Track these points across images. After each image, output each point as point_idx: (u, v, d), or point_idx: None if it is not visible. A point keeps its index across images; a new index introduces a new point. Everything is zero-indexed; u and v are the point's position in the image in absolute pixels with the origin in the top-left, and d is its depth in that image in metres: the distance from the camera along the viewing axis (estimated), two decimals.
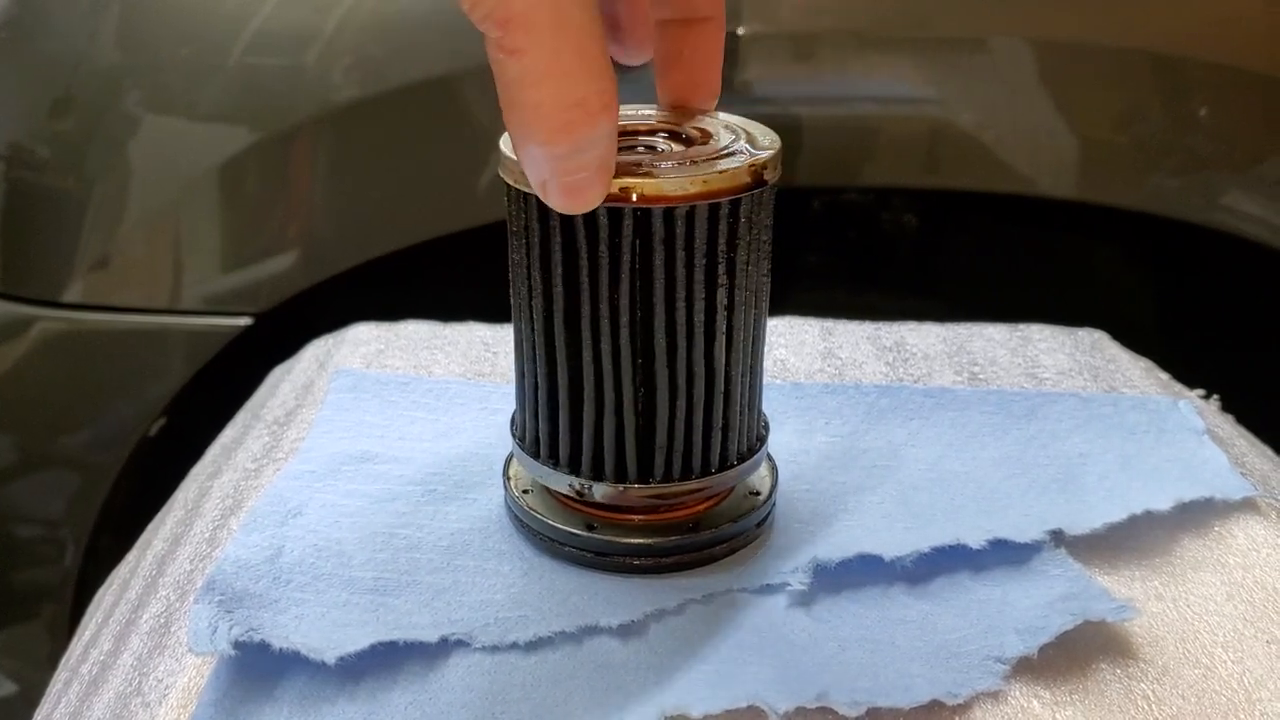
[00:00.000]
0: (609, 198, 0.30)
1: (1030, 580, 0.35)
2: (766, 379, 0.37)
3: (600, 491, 0.34)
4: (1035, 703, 0.31)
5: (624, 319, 0.32)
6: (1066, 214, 0.68)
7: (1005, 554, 0.36)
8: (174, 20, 0.65)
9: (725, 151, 0.32)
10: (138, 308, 0.67)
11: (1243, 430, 0.46)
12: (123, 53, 0.66)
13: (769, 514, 0.37)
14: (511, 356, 0.36)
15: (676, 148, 0.34)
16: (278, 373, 0.52)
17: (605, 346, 0.33)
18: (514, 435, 0.37)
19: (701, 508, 0.36)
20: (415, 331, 0.52)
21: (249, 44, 0.63)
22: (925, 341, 0.51)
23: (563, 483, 0.35)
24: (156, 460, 0.68)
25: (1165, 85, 0.64)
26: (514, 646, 0.32)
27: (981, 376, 0.48)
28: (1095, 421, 0.43)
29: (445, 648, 0.32)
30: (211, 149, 0.64)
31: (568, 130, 0.27)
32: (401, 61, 0.63)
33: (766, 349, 0.36)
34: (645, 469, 0.34)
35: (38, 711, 0.37)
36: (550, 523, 0.35)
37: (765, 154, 0.32)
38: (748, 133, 0.34)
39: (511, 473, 0.38)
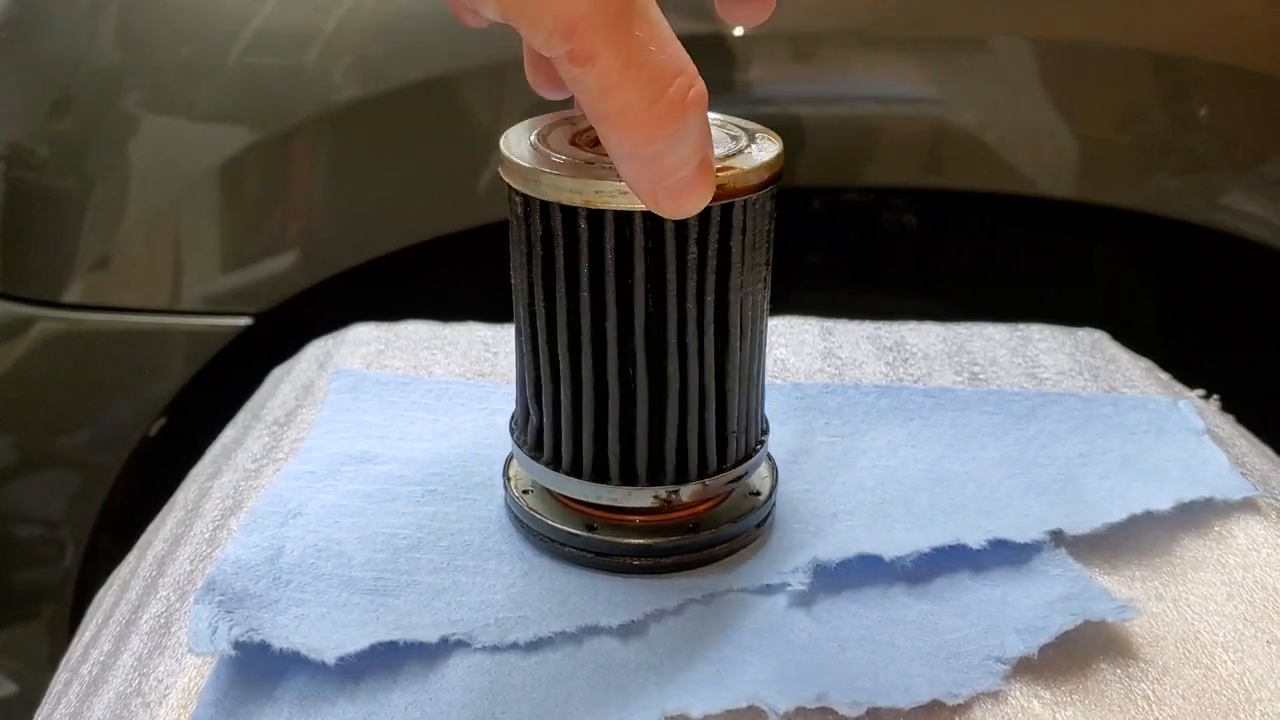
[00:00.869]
0: (608, 203, 0.30)
1: (1030, 580, 0.35)
2: (767, 379, 0.37)
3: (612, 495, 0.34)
4: (1035, 703, 0.31)
5: (626, 320, 0.32)
6: (1067, 214, 0.68)
7: (1005, 554, 0.36)
8: (174, 20, 0.65)
9: (727, 153, 0.32)
10: (138, 308, 0.67)
11: (1243, 430, 0.46)
12: (122, 53, 0.66)
13: (769, 514, 0.37)
14: (511, 357, 0.36)
15: None
16: (278, 373, 0.52)
17: (606, 347, 0.33)
18: (513, 436, 0.37)
19: (701, 508, 0.36)
20: (415, 332, 0.52)
21: (249, 44, 0.63)
22: (925, 341, 0.51)
23: (645, 496, 0.34)
24: (156, 460, 0.68)
25: (1166, 85, 0.64)
26: (514, 647, 0.32)
27: (982, 376, 0.48)
28: (1095, 422, 0.43)
29: (445, 648, 0.32)
30: (211, 149, 0.64)
31: (660, 125, 0.26)
32: (401, 61, 0.63)
33: (767, 349, 0.36)
34: (640, 469, 0.34)
35: (38, 712, 0.37)
36: (550, 523, 0.35)
37: (767, 156, 0.32)
38: (749, 134, 0.34)
39: (511, 473, 0.38)
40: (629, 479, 0.34)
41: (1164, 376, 0.49)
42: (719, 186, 0.31)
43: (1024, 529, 0.36)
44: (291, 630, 0.32)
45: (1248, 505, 0.39)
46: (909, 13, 0.63)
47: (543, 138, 0.34)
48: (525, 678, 0.31)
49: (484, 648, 0.32)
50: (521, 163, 0.32)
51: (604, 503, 0.35)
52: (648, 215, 0.31)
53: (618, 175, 0.31)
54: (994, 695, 0.31)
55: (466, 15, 0.28)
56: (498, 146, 0.33)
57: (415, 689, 0.31)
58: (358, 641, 0.31)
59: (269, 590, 0.34)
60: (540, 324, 0.33)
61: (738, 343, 0.34)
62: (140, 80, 0.65)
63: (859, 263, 0.74)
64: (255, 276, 0.66)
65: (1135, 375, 0.48)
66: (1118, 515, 0.37)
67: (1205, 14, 0.63)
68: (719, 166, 0.31)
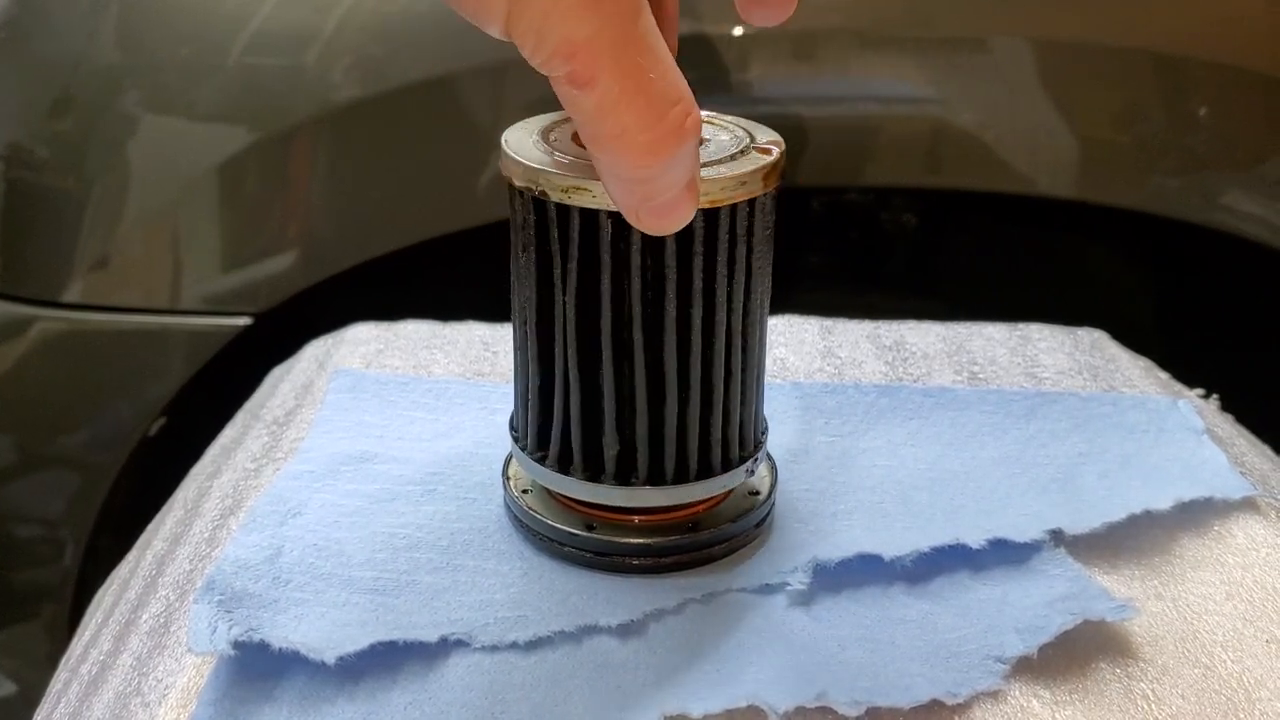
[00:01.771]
0: (609, 202, 0.30)
1: (1030, 580, 0.35)
2: (766, 378, 0.37)
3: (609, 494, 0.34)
4: (1035, 702, 0.31)
5: (627, 320, 0.32)
6: (1067, 214, 0.68)
7: (1005, 553, 0.36)
8: (173, 20, 0.65)
9: (729, 154, 0.32)
10: (137, 308, 0.67)
11: (1242, 430, 0.46)
12: (122, 52, 0.66)
13: (768, 514, 0.37)
14: (510, 356, 0.36)
15: None
16: (277, 373, 0.52)
17: (603, 347, 0.33)
18: (513, 435, 0.37)
19: (701, 508, 0.36)
20: (415, 331, 0.52)
21: (248, 44, 0.63)
22: (925, 341, 0.51)
23: (644, 495, 0.34)
24: (156, 460, 0.68)
25: (1165, 85, 0.64)
26: (513, 646, 0.32)
27: (981, 376, 0.48)
28: (1095, 421, 0.43)
29: (445, 647, 0.32)
30: (211, 149, 0.64)
31: (655, 151, 0.26)
32: (401, 61, 0.63)
33: (766, 348, 0.36)
34: (640, 469, 0.34)
35: (37, 711, 0.37)
36: (550, 523, 0.35)
37: (769, 157, 0.32)
38: (750, 134, 0.34)
39: (511, 472, 0.38)
40: (627, 478, 0.34)
41: (1163, 376, 0.49)
42: (723, 189, 0.31)
43: (1023, 528, 0.36)
44: (291, 630, 0.32)
45: (1247, 504, 0.39)
46: (909, 13, 0.63)
47: (544, 136, 0.34)
48: (524, 677, 0.31)
49: (483, 647, 0.32)
50: (523, 160, 0.32)
51: (603, 502, 0.35)
52: None
53: None
54: (993, 695, 0.31)
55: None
56: (497, 146, 0.33)
57: (414, 688, 0.31)
58: (357, 641, 0.31)
59: (268, 590, 0.34)
60: (540, 322, 0.33)
61: (737, 342, 0.34)
62: (140, 80, 0.65)
63: (859, 262, 0.74)
64: (255, 276, 0.66)
65: (1134, 375, 0.48)
66: (1117, 514, 0.37)
67: (1205, 14, 0.63)
68: (722, 169, 0.31)
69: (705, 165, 0.32)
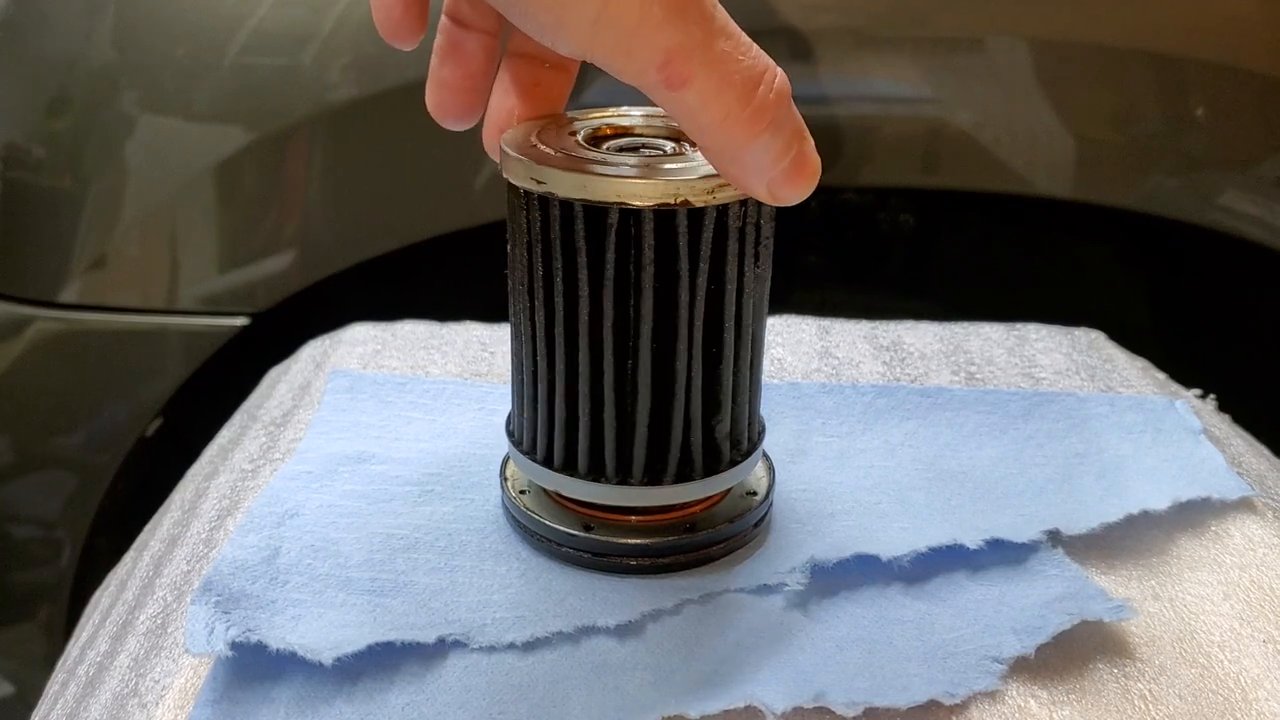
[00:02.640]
0: (611, 200, 0.30)
1: (1027, 580, 0.35)
2: (763, 378, 0.37)
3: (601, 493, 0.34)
4: (1032, 702, 0.31)
5: (624, 317, 0.32)
6: (1064, 214, 0.68)
7: (1002, 554, 0.36)
8: (170, 20, 0.65)
9: None
10: (134, 308, 0.67)
11: (1239, 430, 0.46)
12: (119, 52, 0.66)
13: (766, 514, 0.37)
14: (508, 357, 0.36)
15: (676, 151, 0.34)
16: (274, 373, 0.52)
17: (602, 347, 0.33)
18: (510, 435, 0.37)
19: (698, 508, 0.36)
20: (412, 332, 0.52)
21: (245, 43, 0.63)
22: (922, 341, 0.51)
23: (642, 495, 0.34)
24: (153, 461, 0.68)
25: (1162, 85, 0.64)
26: (511, 647, 0.32)
27: (979, 376, 0.48)
28: (1092, 421, 0.43)
29: (442, 648, 0.32)
30: (208, 149, 0.64)
31: (759, 119, 0.28)
32: (398, 61, 0.63)
33: (764, 348, 0.36)
34: (638, 468, 0.34)
35: (35, 712, 0.37)
36: (547, 523, 0.35)
37: None
38: None
39: (508, 473, 0.38)
40: (626, 477, 0.34)
41: (1160, 376, 0.49)
42: (724, 189, 0.31)
43: (1021, 529, 0.36)
44: (288, 631, 0.32)
45: (1244, 505, 0.39)
46: (906, 12, 0.63)
47: (544, 135, 0.34)
48: (522, 678, 0.31)
49: (481, 648, 0.32)
50: (523, 159, 0.32)
51: (601, 501, 0.35)
52: (649, 213, 0.31)
53: (620, 172, 0.31)
54: (991, 695, 0.31)
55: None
56: (498, 145, 0.33)
57: (412, 689, 0.31)
58: (355, 642, 0.31)
59: (266, 591, 0.34)
60: (540, 323, 0.33)
61: (733, 343, 0.34)
62: (137, 80, 0.65)
63: (856, 262, 0.74)
64: (252, 276, 0.66)
65: (1132, 375, 0.48)
66: (1114, 515, 0.37)
67: (1201, 14, 0.63)
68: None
69: (700, 165, 0.32)
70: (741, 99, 0.27)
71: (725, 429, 0.35)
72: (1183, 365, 0.51)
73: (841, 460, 0.41)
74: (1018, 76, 0.63)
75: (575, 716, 0.30)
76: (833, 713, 0.30)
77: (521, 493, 0.37)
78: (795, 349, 0.50)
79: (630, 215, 0.31)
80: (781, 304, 0.45)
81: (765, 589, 0.34)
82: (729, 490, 0.37)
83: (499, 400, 0.45)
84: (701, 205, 0.31)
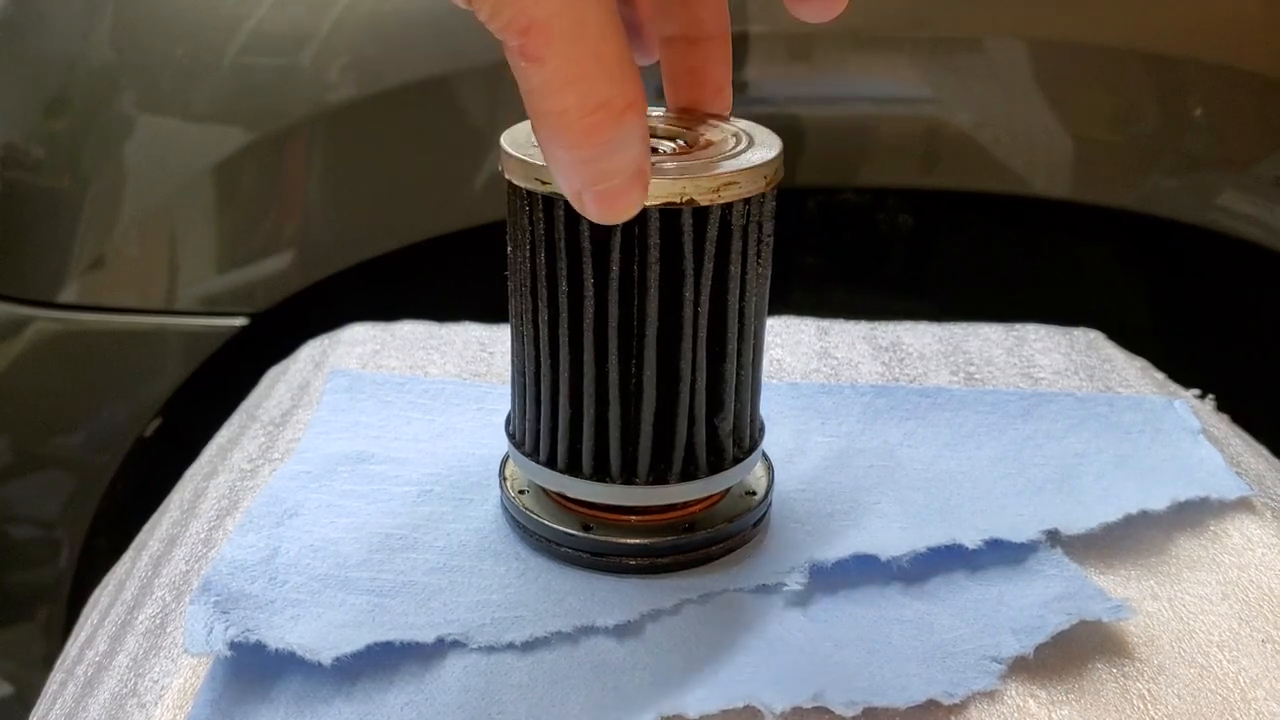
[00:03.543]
0: None
1: (1026, 580, 0.35)
2: (763, 378, 0.37)
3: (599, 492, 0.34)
4: (1031, 702, 0.31)
5: (631, 319, 0.32)
6: (1063, 214, 0.68)
7: (1001, 554, 0.36)
8: (169, 20, 0.65)
9: (727, 154, 0.32)
10: (133, 308, 0.67)
11: (1238, 430, 0.46)
12: (117, 52, 0.66)
13: (765, 514, 0.37)
14: (507, 357, 0.36)
15: (678, 150, 0.34)
16: (273, 373, 0.52)
17: (607, 346, 0.33)
18: (509, 435, 0.37)
19: (697, 508, 0.36)
20: (411, 332, 0.52)
21: (244, 44, 0.63)
22: (921, 341, 0.51)
23: (641, 494, 0.34)
24: (152, 461, 0.68)
25: (1161, 85, 0.64)
26: (510, 647, 0.32)
27: (977, 376, 0.48)
28: (1091, 421, 0.43)
29: (441, 648, 0.32)
30: (207, 149, 0.64)
31: (593, 133, 0.26)
32: (397, 61, 0.63)
33: (763, 348, 0.36)
34: (642, 468, 0.34)
35: (33, 713, 0.37)
36: (546, 523, 0.35)
37: (768, 156, 0.32)
38: (748, 134, 0.34)
39: (508, 473, 0.38)
40: (630, 477, 0.34)
41: (1159, 376, 0.49)
42: (723, 189, 0.31)
43: (1020, 529, 0.36)
44: (287, 630, 0.32)
45: (1243, 505, 0.39)
46: (905, 13, 0.63)
47: None
48: (521, 678, 0.31)
49: (480, 648, 0.32)
50: (525, 159, 0.32)
51: (604, 501, 0.35)
52: (655, 212, 0.31)
53: None
54: (990, 695, 0.31)
55: None
56: (494, 146, 0.33)
57: (411, 689, 0.31)
58: (354, 642, 0.31)
59: (265, 590, 0.34)
60: (541, 324, 0.33)
61: (736, 342, 0.34)
62: (135, 80, 0.65)
63: (855, 263, 0.74)
64: (251, 276, 0.66)
65: (1131, 375, 0.48)
66: (1113, 515, 0.37)
67: (1200, 14, 0.64)
68: (721, 169, 0.31)
69: (706, 164, 0.32)
70: (583, 104, 0.26)
71: (729, 427, 0.35)
72: (1181, 365, 0.51)
73: (840, 460, 0.41)
74: (1017, 77, 0.63)
75: (574, 716, 0.30)
76: (832, 712, 0.30)
77: (521, 493, 0.37)
78: (794, 349, 0.50)
79: (635, 215, 0.31)
80: (780, 304, 0.45)
81: (764, 589, 0.34)
82: (728, 490, 0.37)
83: (498, 400, 0.45)
84: (706, 204, 0.31)
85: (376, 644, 0.31)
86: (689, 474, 0.34)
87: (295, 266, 0.65)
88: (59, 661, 0.40)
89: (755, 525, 0.37)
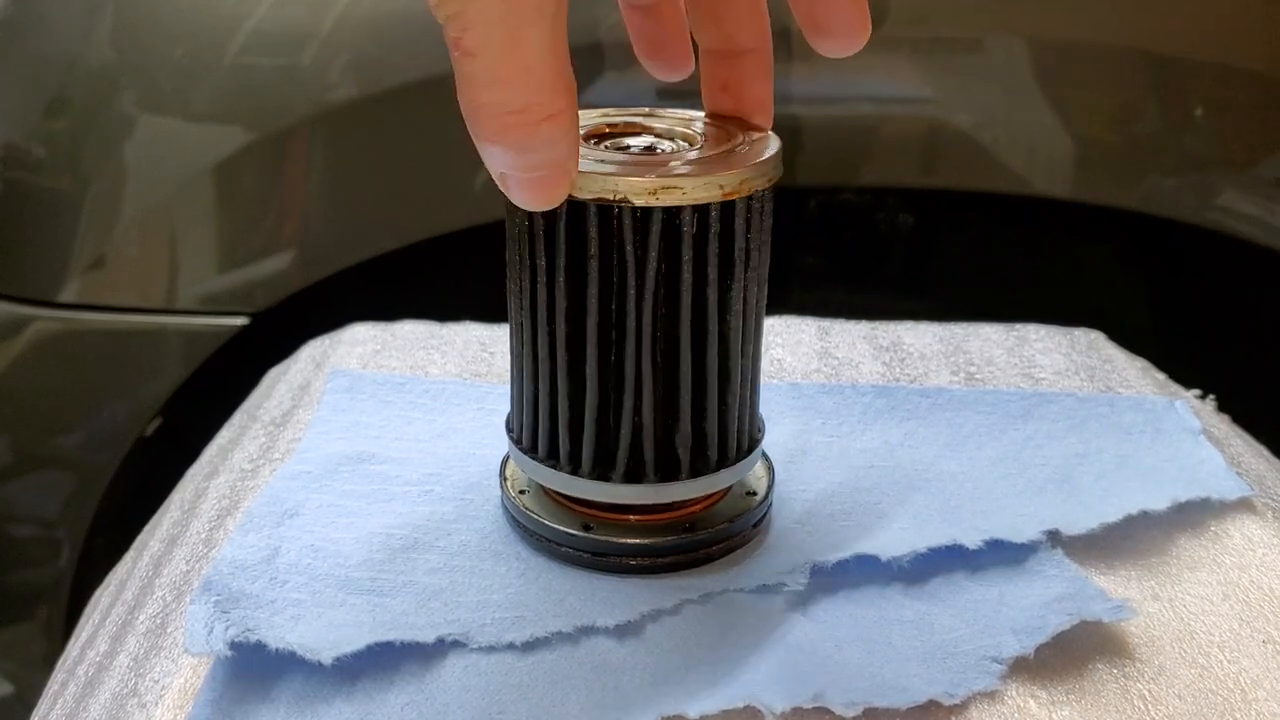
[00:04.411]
0: (611, 198, 0.30)
1: (1027, 580, 0.35)
2: (763, 378, 0.37)
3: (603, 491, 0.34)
4: (1032, 703, 0.31)
5: (625, 319, 0.32)
6: (1063, 214, 0.68)
7: (1002, 554, 0.36)
8: (169, 20, 0.65)
9: (726, 153, 0.32)
10: (133, 307, 0.67)
11: (1239, 430, 0.46)
12: (117, 52, 0.66)
13: (765, 514, 0.37)
14: (508, 357, 0.36)
15: (677, 150, 0.34)
16: (274, 373, 0.52)
17: (604, 345, 0.33)
18: (510, 435, 0.37)
19: (698, 508, 0.36)
20: (412, 332, 0.52)
21: (244, 43, 0.63)
22: (922, 341, 0.51)
23: (642, 493, 0.34)
24: (152, 460, 0.68)
25: (1161, 85, 0.64)
26: (511, 647, 0.32)
27: (978, 376, 0.48)
28: (1091, 422, 0.43)
29: (442, 648, 0.32)
30: (207, 148, 0.64)
31: (510, 133, 0.28)
32: (398, 61, 0.63)
33: (763, 348, 0.36)
34: (640, 467, 0.34)
35: (35, 712, 0.37)
36: (547, 523, 0.35)
37: (766, 155, 0.32)
38: (747, 133, 0.34)
39: (508, 473, 0.38)
40: (624, 476, 0.34)
41: (1160, 376, 0.49)
42: (721, 188, 0.31)
43: (1020, 529, 0.36)
44: (288, 630, 0.32)
45: (1243, 505, 0.39)
46: (905, 12, 0.63)
47: None
48: (522, 678, 0.31)
49: (480, 648, 0.32)
50: None
51: (604, 500, 0.35)
52: (654, 211, 0.31)
53: (624, 171, 0.31)
54: (990, 695, 0.31)
55: None
56: None
57: (412, 689, 0.31)
58: (354, 642, 0.31)
59: (265, 590, 0.34)
60: (540, 323, 0.33)
61: (735, 341, 0.34)
62: (135, 80, 0.65)
63: (855, 263, 0.74)
64: (251, 276, 0.66)
65: (1131, 375, 0.48)
66: (1114, 515, 0.37)
67: (1201, 14, 0.64)
68: (720, 168, 0.31)
69: (704, 163, 0.32)
70: (505, 104, 0.27)
71: (726, 427, 0.35)
72: (1182, 365, 0.51)
73: (841, 460, 0.41)
74: (1017, 76, 0.63)
75: (575, 716, 0.30)
76: (832, 713, 0.30)
77: (521, 492, 0.37)
78: (795, 349, 0.50)
79: (634, 213, 0.31)
80: (780, 304, 0.45)
81: (765, 589, 0.34)
82: (729, 490, 0.37)
83: (498, 400, 0.45)
84: (704, 203, 0.31)
85: (377, 644, 0.31)
86: (688, 473, 0.34)
87: (295, 266, 0.65)
88: (60, 661, 0.40)
89: (756, 525, 0.37)
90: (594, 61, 0.62)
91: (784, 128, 0.35)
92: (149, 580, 0.38)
